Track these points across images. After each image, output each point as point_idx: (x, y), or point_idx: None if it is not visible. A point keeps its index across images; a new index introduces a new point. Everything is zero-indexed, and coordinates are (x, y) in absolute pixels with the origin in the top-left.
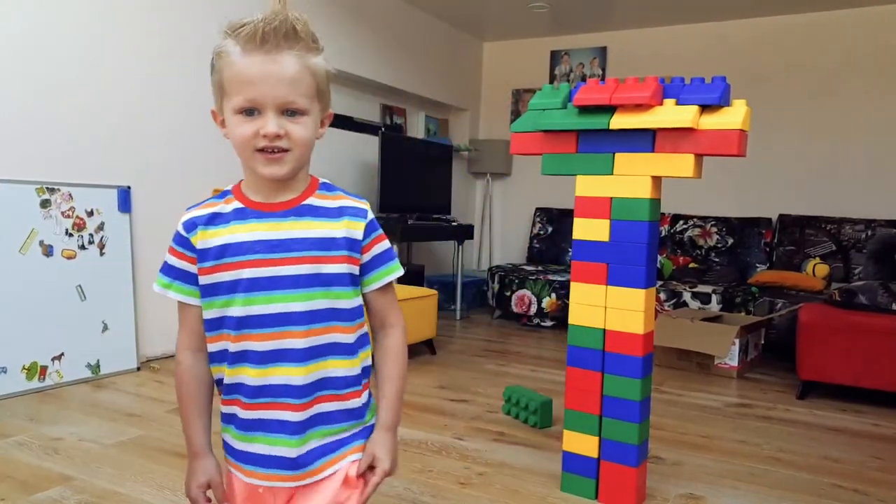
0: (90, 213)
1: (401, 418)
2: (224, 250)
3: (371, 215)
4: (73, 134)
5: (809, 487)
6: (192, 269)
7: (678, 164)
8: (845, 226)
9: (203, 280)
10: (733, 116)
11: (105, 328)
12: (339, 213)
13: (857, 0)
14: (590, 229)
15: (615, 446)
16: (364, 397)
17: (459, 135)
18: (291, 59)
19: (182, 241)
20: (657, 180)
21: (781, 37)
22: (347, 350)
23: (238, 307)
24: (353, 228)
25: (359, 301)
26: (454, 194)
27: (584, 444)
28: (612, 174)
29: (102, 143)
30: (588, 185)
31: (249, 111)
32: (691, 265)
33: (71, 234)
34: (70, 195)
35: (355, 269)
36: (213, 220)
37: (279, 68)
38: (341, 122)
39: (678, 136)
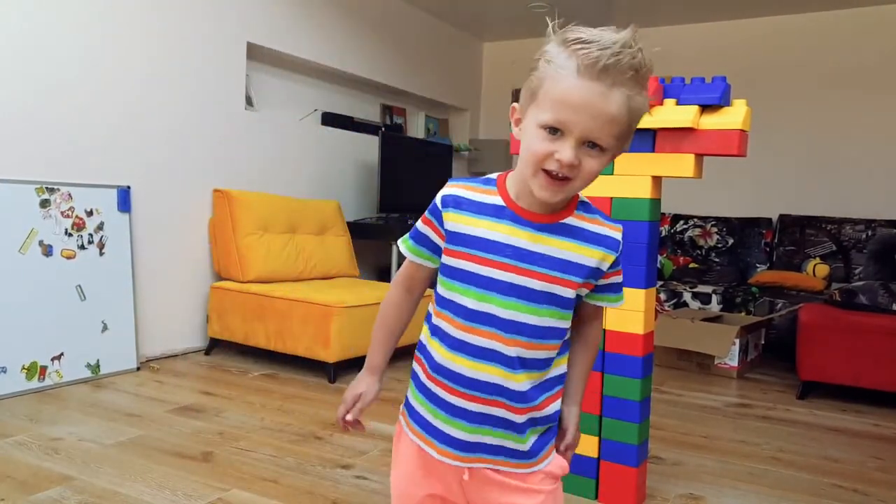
0: (90, 213)
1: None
2: (473, 241)
3: (621, 245)
4: (73, 134)
5: (809, 487)
6: (439, 241)
7: (678, 164)
8: (846, 226)
9: (446, 260)
10: (734, 116)
11: (105, 328)
12: (595, 240)
13: (857, 0)
14: None
15: (615, 446)
16: (543, 411)
17: (459, 135)
18: (621, 98)
19: (435, 212)
20: (657, 180)
21: (781, 37)
22: (540, 365)
23: (472, 300)
24: (605, 259)
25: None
26: None
27: (583, 444)
28: (612, 174)
29: (102, 143)
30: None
31: (554, 130)
32: (691, 265)
33: (70, 234)
34: (70, 195)
35: (585, 292)
36: (472, 206)
37: (605, 105)
38: (341, 122)
39: (678, 136)
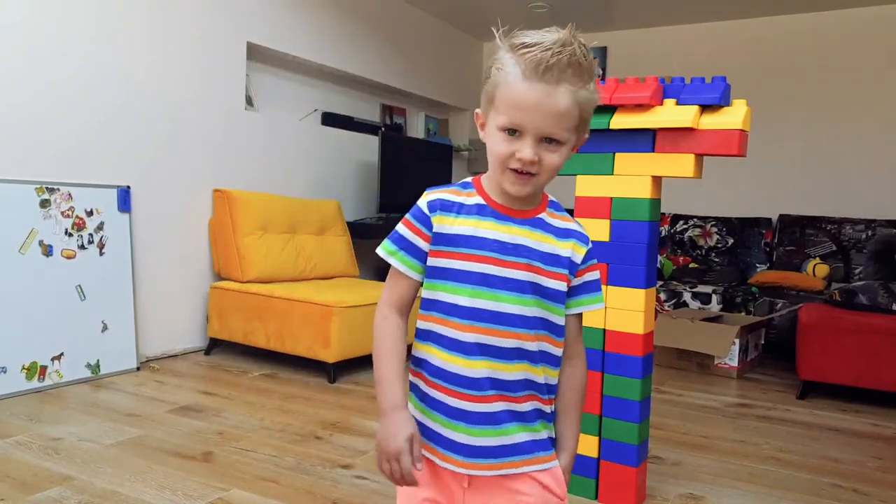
0: (90, 213)
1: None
2: (460, 240)
3: (591, 244)
4: (74, 134)
5: (809, 487)
6: (423, 245)
7: (678, 164)
8: (845, 226)
9: (433, 262)
10: (733, 116)
11: (105, 328)
12: (566, 233)
13: (857, 0)
14: (590, 229)
15: (615, 446)
16: (551, 406)
17: (459, 135)
18: (566, 94)
19: (421, 218)
20: (657, 180)
21: (781, 37)
22: (555, 362)
23: (465, 297)
24: (577, 251)
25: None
26: None
27: (583, 444)
28: (612, 174)
29: (103, 143)
30: (588, 185)
31: (512, 131)
32: (691, 265)
33: (70, 234)
34: (70, 195)
35: (565, 288)
36: (454, 208)
37: (552, 102)
38: (341, 122)
39: (678, 136)
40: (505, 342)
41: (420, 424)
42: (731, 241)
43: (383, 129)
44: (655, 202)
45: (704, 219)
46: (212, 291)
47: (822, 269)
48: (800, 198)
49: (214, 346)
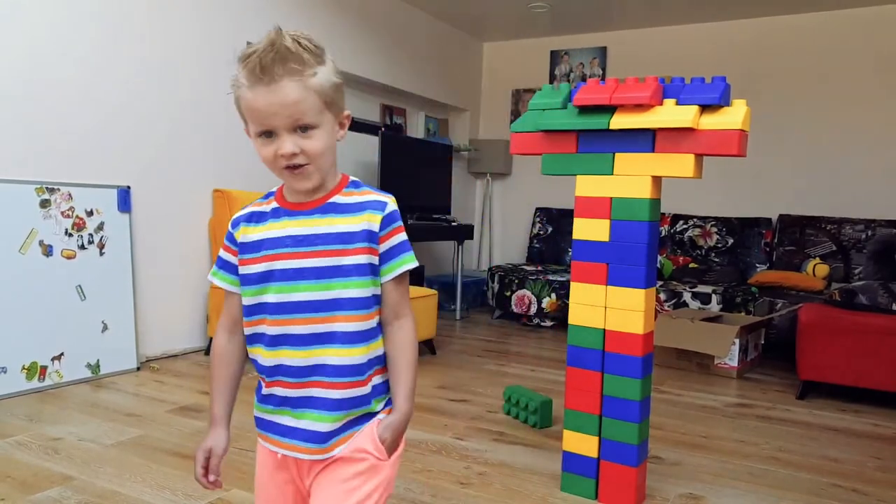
0: (90, 213)
1: (413, 408)
2: (260, 245)
3: (391, 207)
4: (74, 134)
5: (809, 487)
6: (234, 260)
7: (678, 164)
8: (845, 226)
9: (242, 270)
10: (733, 116)
11: (105, 328)
12: (360, 207)
13: (857, 0)
14: (590, 229)
15: (615, 446)
16: (368, 387)
17: (459, 135)
18: (291, 85)
19: (228, 236)
20: (657, 180)
21: (781, 37)
22: (358, 339)
23: (272, 295)
24: (372, 221)
25: (376, 290)
26: (454, 194)
27: (584, 444)
28: (612, 174)
29: (103, 144)
30: (588, 185)
31: (268, 133)
32: (691, 265)
33: (71, 234)
34: (70, 195)
35: (375, 260)
36: (254, 218)
37: (281, 97)
38: None
39: (678, 136)
40: (298, 329)
41: (261, 419)
42: (731, 241)
43: (383, 129)
44: (655, 202)
45: (704, 219)
46: (212, 291)
47: (822, 269)
48: (800, 198)
49: None
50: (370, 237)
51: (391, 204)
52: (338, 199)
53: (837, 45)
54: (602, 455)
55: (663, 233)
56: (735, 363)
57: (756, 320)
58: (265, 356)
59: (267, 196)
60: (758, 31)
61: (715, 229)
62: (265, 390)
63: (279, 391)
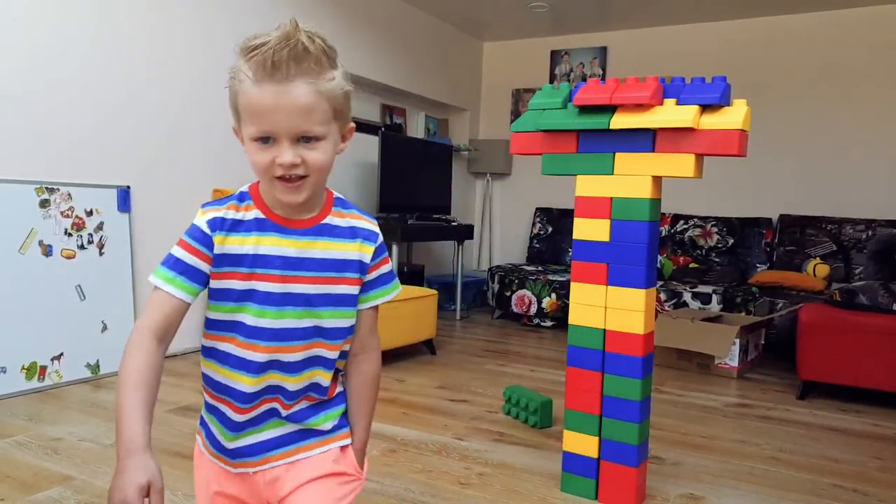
0: (89, 213)
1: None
2: (242, 259)
3: (380, 238)
4: (73, 134)
5: (809, 487)
6: (205, 267)
7: (678, 164)
8: (846, 226)
9: (216, 283)
10: (734, 116)
11: (104, 328)
12: (352, 233)
13: (857, 0)
14: (590, 229)
15: (615, 446)
16: (337, 390)
17: (459, 135)
18: (304, 88)
19: (202, 238)
20: (657, 180)
21: (781, 37)
22: (331, 364)
23: (250, 316)
24: (364, 251)
25: (353, 321)
26: (454, 194)
27: (584, 444)
28: (612, 174)
29: (102, 144)
30: (588, 185)
31: (265, 139)
32: (692, 265)
33: (70, 234)
34: (69, 195)
35: (358, 290)
36: (237, 225)
37: (291, 99)
38: None
39: (678, 136)
40: (293, 356)
41: (211, 434)
42: (731, 241)
43: (383, 129)
44: (655, 202)
45: (704, 219)
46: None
47: (823, 269)
48: (800, 198)
49: None
50: (360, 268)
51: (379, 234)
52: (330, 220)
53: (837, 45)
54: (602, 455)
55: (664, 233)
56: (735, 363)
57: (756, 320)
58: (247, 383)
59: (242, 198)
60: (758, 31)
61: (715, 229)
62: (236, 416)
63: (254, 412)
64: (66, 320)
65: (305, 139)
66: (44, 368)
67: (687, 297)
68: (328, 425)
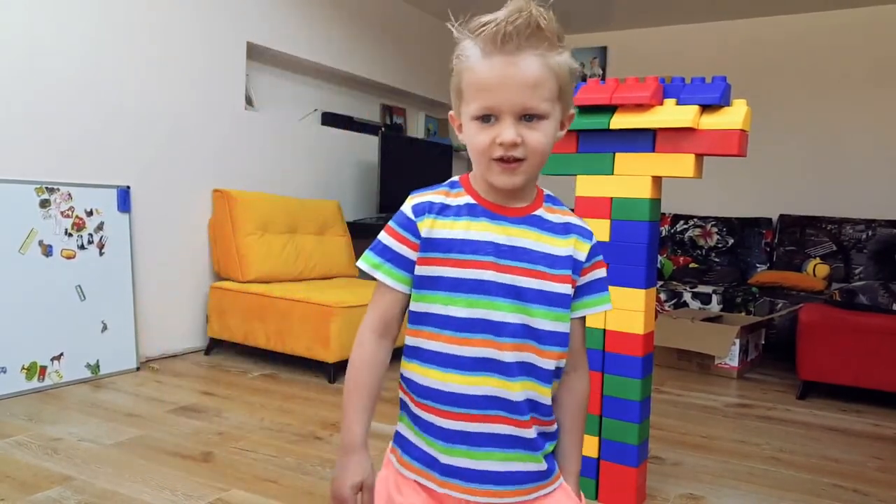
0: (90, 213)
1: None
2: (452, 245)
3: (595, 238)
4: (73, 134)
5: (809, 487)
6: (411, 254)
7: (678, 164)
8: (846, 226)
9: (421, 271)
10: (734, 116)
11: (104, 328)
12: (565, 229)
13: (857, 0)
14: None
15: (615, 446)
16: (555, 426)
17: None
18: (533, 60)
19: (407, 225)
20: (657, 180)
21: (781, 37)
22: (552, 377)
23: (461, 308)
24: (579, 249)
25: (568, 328)
26: None
27: (583, 444)
28: (612, 174)
29: (102, 144)
30: (588, 185)
31: (486, 118)
32: (692, 265)
33: (70, 234)
34: (69, 195)
35: (572, 292)
36: (446, 209)
37: (519, 72)
38: (341, 122)
39: (678, 136)
40: (506, 355)
41: (415, 447)
42: (731, 241)
43: (383, 129)
44: (655, 202)
45: (704, 219)
46: (212, 291)
47: (823, 269)
48: (800, 198)
49: (214, 346)
50: (574, 266)
51: (594, 234)
52: (542, 213)
53: (837, 45)
54: (602, 455)
55: (664, 233)
56: (735, 363)
57: (756, 320)
58: (459, 382)
59: (452, 185)
60: (758, 31)
61: (715, 229)
62: (442, 422)
63: (464, 426)
64: (66, 320)
65: (528, 118)
66: (44, 368)
67: (687, 297)
68: (547, 462)
